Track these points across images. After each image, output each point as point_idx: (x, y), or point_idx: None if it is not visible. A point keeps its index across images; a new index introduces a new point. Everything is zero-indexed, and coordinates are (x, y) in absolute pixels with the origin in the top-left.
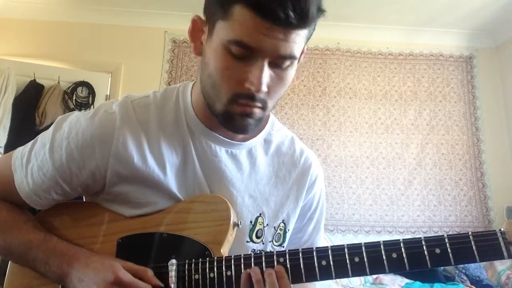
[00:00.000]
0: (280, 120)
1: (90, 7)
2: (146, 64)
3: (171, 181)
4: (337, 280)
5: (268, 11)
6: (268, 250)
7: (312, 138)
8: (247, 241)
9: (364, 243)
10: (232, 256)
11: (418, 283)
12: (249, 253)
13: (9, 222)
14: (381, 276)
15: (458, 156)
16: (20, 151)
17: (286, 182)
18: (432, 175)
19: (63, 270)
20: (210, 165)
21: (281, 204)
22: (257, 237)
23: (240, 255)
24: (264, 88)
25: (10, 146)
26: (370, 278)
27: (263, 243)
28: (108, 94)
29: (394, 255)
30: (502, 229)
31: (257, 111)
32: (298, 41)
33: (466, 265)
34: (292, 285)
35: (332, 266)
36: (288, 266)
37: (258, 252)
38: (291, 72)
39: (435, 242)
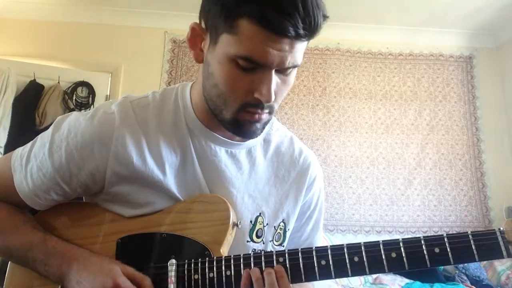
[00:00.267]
0: (280, 120)
1: (90, 7)
2: (146, 64)
3: (171, 181)
4: (337, 280)
5: (277, 25)
6: (268, 249)
7: (312, 138)
8: (247, 241)
9: (364, 242)
10: (232, 256)
11: (418, 283)
12: (250, 253)
13: (9, 223)
14: (381, 276)
15: (458, 156)
16: (20, 152)
17: (285, 182)
18: (432, 175)
19: (63, 270)
20: (209, 165)
21: (280, 203)
22: (258, 237)
23: (240, 255)
24: (273, 97)
25: (10, 146)
26: (370, 278)
27: (263, 243)
28: (108, 94)
29: (394, 255)
30: (502, 228)
31: (264, 117)
32: (301, 48)
33: (466, 265)
34: (291, 285)
35: (331, 266)
36: (287, 265)
37: (259, 252)
38: (294, 74)
39: (434, 241)
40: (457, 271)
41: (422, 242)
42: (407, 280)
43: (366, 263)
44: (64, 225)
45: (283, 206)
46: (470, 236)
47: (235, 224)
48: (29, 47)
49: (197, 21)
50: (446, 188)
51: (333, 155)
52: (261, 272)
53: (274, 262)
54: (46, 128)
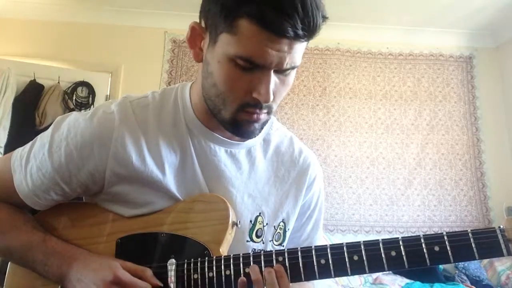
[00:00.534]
0: (280, 120)
1: (90, 7)
2: (146, 64)
3: (170, 181)
4: (337, 280)
5: (276, 26)
6: (268, 249)
7: (312, 138)
8: (247, 241)
9: (363, 241)
10: (231, 256)
11: (418, 283)
12: (249, 252)
13: (9, 223)
14: (381, 276)
15: (458, 156)
16: (19, 152)
17: (285, 182)
18: (432, 175)
19: (62, 270)
20: (209, 164)
21: (280, 203)
22: (257, 237)
23: (239, 255)
24: (271, 97)
25: (10, 146)
26: (370, 278)
27: (263, 243)
28: (108, 94)
29: (393, 253)
30: (502, 227)
31: (263, 117)
32: (300, 49)
33: (466, 265)
34: (291, 284)
35: (331, 265)
36: (287, 265)
37: (258, 251)
38: (293, 76)
39: (434, 239)
40: (457, 271)
41: (422, 240)
42: (407, 280)
43: (365, 262)
44: (64, 225)
45: (283, 206)
46: (470, 234)
47: (235, 224)
48: (29, 47)
49: (197, 21)
50: (446, 188)
51: (333, 155)
52: (261, 271)
53: (274, 261)
54: (46, 128)
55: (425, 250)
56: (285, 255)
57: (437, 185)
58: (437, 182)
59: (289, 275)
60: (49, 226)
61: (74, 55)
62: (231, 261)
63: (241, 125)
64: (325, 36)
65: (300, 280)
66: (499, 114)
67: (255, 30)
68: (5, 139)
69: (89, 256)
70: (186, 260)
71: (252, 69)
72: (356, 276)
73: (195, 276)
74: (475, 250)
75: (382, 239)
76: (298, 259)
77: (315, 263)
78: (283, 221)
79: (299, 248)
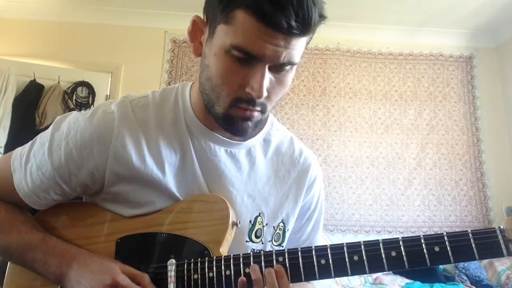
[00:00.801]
0: (280, 120)
1: (90, 7)
2: (146, 64)
3: (170, 181)
4: (337, 280)
5: (270, 18)
6: (267, 249)
7: (312, 138)
8: (246, 241)
9: (363, 241)
10: (231, 256)
11: (418, 283)
12: (249, 252)
13: (8, 223)
14: (381, 276)
15: (458, 156)
16: (19, 151)
17: (285, 182)
18: (432, 175)
19: (62, 270)
20: (209, 164)
21: (280, 203)
22: (257, 237)
23: (239, 255)
24: (264, 93)
25: (10, 146)
26: (370, 278)
27: (262, 243)
28: (108, 94)
29: (393, 253)
30: (502, 227)
31: (256, 115)
32: (298, 47)
33: (466, 265)
34: (292, 284)
35: (331, 265)
36: (287, 265)
37: (258, 251)
38: (291, 76)
39: (434, 240)
40: (457, 271)
41: (422, 240)
42: (407, 280)
43: (365, 262)
44: (64, 225)
45: (282, 206)
46: (470, 235)
47: (235, 224)
48: (29, 47)
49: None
50: (446, 188)
51: (333, 155)
52: (261, 271)
53: (274, 261)
54: (46, 128)
55: (425, 251)
56: (285, 255)
57: (437, 185)
58: (437, 182)
59: (289, 275)
60: (49, 225)
61: (74, 55)
62: (231, 261)
63: (233, 121)
64: (325, 36)
65: (300, 280)
66: (499, 114)
67: (250, 21)
68: (5, 139)
69: (89, 256)
70: (186, 260)
71: (247, 62)
72: (356, 276)
73: (195, 276)
74: (475, 250)
75: (382, 239)
76: (298, 259)
77: (315, 263)
78: (282, 221)
79: (299, 248)
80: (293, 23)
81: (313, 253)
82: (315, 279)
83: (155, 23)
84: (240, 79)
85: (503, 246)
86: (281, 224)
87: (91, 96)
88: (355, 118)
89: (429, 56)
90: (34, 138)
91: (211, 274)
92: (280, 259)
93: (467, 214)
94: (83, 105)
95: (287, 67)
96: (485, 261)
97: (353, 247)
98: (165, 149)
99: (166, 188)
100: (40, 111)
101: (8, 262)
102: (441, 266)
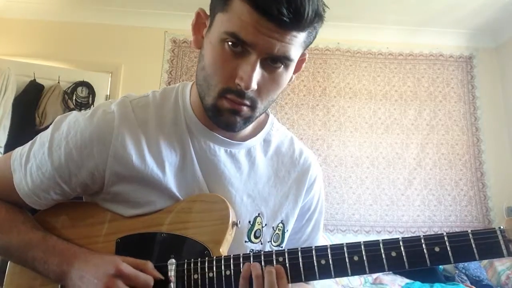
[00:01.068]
0: (280, 120)
1: (90, 7)
2: (146, 64)
3: (170, 181)
4: (337, 280)
5: (263, 6)
6: (266, 250)
7: (312, 138)
8: (245, 241)
9: (363, 241)
10: (231, 256)
11: (418, 283)
12: (249, 252)
13: (8, 222)
14: (381, 276)
15: (458, 156)
16: (19, 151)
17: (285, 182)
18: (432, 175)
19: (63, 269)
20: (209, 164)
21: (280, 204)
22: (256, 237)
23: (239, 255)
24: (253, 85)
25: (10, 146)
26: (370, 278)
27: (261, 243)
28: (108, 94)
29: (393, 254)
30: (502, 227)
31: (245, 109)
32: (293, 43)
33: (466, 265)
34: (291, 284)
35: (331, 265)
36: (287, 265)
37: (257, 252)
38: (285, 76)
39: (434, 240)
40: (457, 271)
41: (422, 241)
42: (407, 280)
43: (366, 262)
44: (64, 224)
45: (282, 207)
46: (471, 235)
47: (235, 224)
48: (29, 47)
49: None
50: (446, 188)
51: (333, 155)
52: (261, 269)
53: (274, 261)
54: (46, 128)
55: (425, 251)
56: (285, 255)
57: (437, 185)
58: (437, 182)
59: (289, 275)
60: (49, 225)
61: (74, 55)
62: (231, 261)
63: (222, 113)
64: (325, 36)
65: (301, 281)
66: (499, 114)
67: (246, 9)
68: (5, 139)
69: (89, 253)
70: (186, 260)
71: (241, 54)
72: (356, 276)
73: (195, 276)
74: (475, 250)
75: (382, 240)
76: (299, 260)
77: (315, 264)
78: (282, 222)
79: (299, 249)
80: (284, 11)
81: (313, 253)
82: (315, 279)
83: (155, 23)
84: (231, 69)
85: (503, 247)
86: (281, 225)
87: (91, 96)
88: (355, 118)
89: (429, 56)
90: (34, 138)
91: (211, 274)
92: (280, 259)
93: (467, 214)
94: (83, 105)
95: (281, 63)
96: (485, 261)
97: (353, 247)
98: (165, 149)
99: (166, 188)
100: (40, 111)
101: (8, 262)
102: (441, 266)
